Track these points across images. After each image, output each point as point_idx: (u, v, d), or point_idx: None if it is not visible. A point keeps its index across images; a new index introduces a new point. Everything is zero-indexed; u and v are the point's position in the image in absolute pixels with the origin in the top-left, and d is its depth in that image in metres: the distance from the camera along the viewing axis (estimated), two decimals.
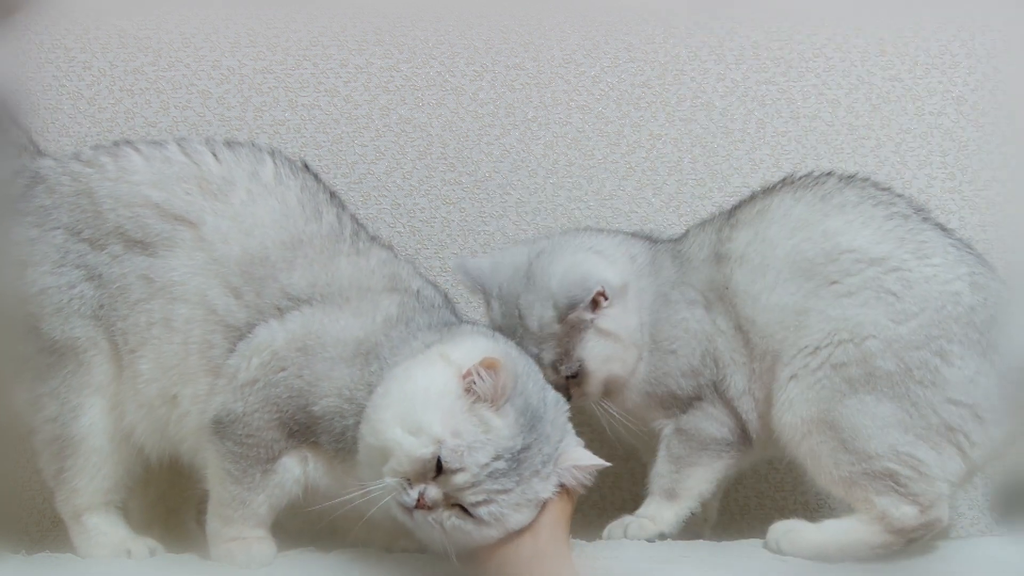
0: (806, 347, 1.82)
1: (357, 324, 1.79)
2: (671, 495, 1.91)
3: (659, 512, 1.91)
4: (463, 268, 1.99)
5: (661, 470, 1.92)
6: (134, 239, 1.84)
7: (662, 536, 1.89)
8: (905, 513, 1.76)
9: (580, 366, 1.91)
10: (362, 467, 1.71)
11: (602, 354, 1.91)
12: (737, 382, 1.89)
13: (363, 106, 2.41)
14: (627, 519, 1.91)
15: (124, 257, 1.84)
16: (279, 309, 1.80)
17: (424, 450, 1.64)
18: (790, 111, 2.41)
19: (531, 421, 1.69)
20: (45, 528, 2.19)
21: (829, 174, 1.94)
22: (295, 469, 1.77)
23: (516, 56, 2.44)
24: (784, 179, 1.96)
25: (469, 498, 1.65)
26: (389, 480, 1.65)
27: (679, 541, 1.88)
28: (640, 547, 1.86)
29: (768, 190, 1.96)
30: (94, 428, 1.84)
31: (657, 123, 2.41)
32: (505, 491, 1.66)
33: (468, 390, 1.68)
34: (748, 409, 1.89)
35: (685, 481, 1.90)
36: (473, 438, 1.65)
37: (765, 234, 1.89)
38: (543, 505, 1.70)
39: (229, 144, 1.92)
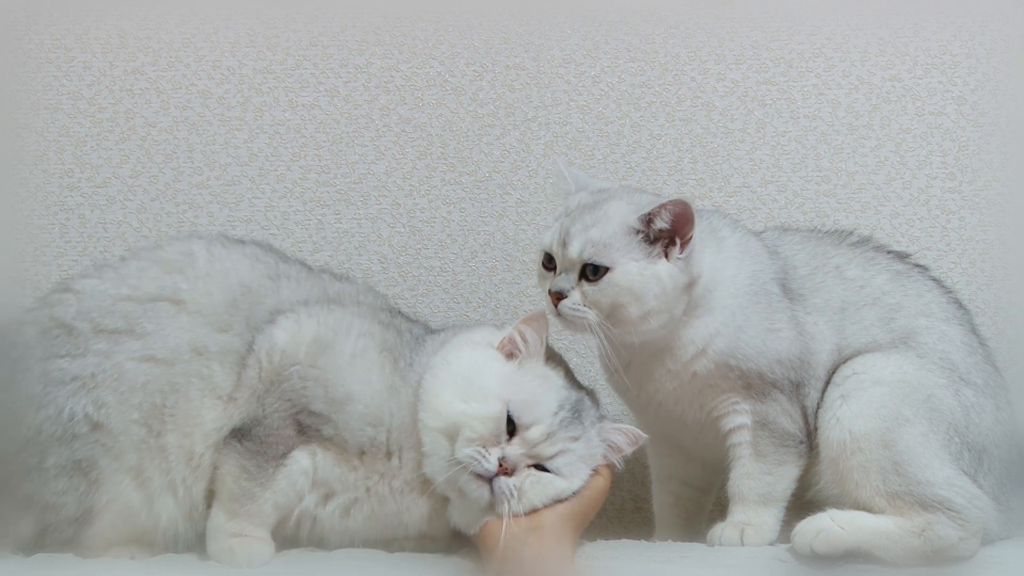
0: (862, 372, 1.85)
1: (359, 320, 1.85)
2: (767, 499, 1.87)
3: (759, 518, 1.87)
4: (561, 167, 1.96)
5: (751, 471, 1.87)
6: (118, 330, 1.82)
7: (770, 543, 1.85)
8: (949, 534, 1.77)
9: (608, 273, 1.78)
10: (427, 459, 1.75)
11: (637, 284, 1.78)
12: (812, 395, 1.88)
13: (363, 106, 2.42)
14: (725, 526, 1.87)
15: (114, 349, 1.80)
16: (271, 323, 1.84)
17: (493, 408, 1.71)
18: (790, 111, 2.41)
19: (574, 380, 1.82)
20: None
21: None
22: (304, 461, 1.79)
23: (516, 56, 2.44)
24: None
25: (547, 451, 1.72)
26: (465, 451, 1.69)
27: (679, 542, 1.88)
28: (640, 547, 1.85)
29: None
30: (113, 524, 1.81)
31: (657, 123, 2.41)
32: (575, 438, 1.75)
33: (511, 355, 1.77)
34: (810, 421, 1.89)
35: (780, 483, 1.87)
36: (533, 390, 1.74)
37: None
38: (550, 505, 1.73)
39: (162, 243, 1.93)
